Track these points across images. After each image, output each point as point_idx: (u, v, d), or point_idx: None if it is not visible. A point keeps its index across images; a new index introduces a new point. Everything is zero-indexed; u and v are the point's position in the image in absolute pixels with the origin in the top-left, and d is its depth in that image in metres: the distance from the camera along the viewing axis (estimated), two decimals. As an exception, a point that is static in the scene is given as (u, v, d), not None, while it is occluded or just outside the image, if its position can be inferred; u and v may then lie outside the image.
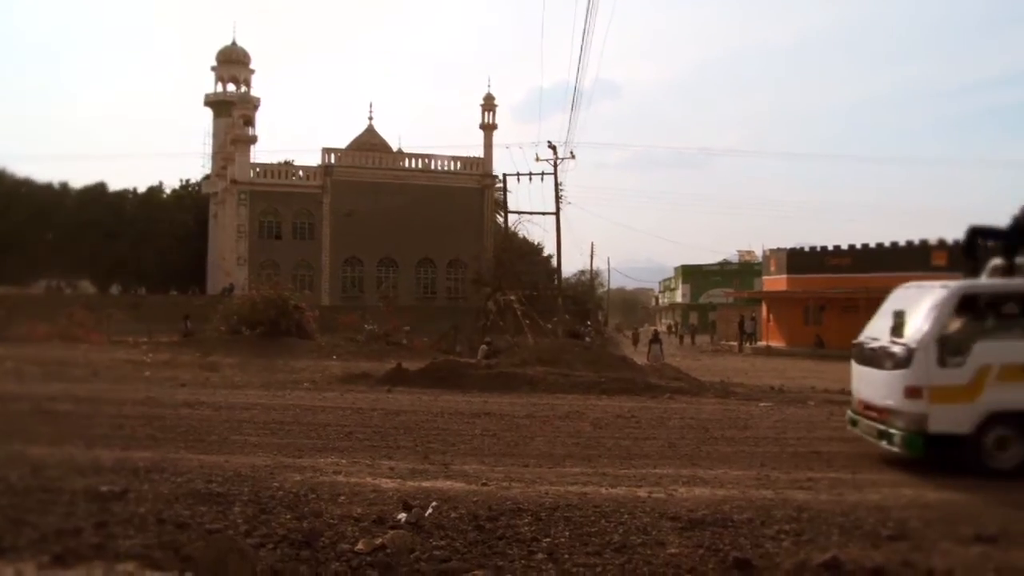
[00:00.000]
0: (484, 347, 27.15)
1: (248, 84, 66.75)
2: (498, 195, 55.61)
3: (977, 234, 10.75)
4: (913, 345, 9.50)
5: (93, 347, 29.56)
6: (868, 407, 10.30)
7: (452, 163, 60.17)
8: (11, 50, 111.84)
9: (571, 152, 41.22)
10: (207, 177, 67.04)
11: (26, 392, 15.45)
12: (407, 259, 57.67)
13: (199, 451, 10.01)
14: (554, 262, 49.01)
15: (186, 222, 66.66)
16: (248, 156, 56.52)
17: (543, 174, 41.34)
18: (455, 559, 6.09)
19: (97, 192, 67.33)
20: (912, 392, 9.47)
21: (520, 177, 42.83)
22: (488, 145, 60.22)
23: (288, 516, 6.98)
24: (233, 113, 59.16)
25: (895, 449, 9.67)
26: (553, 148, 40.70)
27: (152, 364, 23.55)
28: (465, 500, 7.63)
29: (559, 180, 41.53)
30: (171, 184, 71.64)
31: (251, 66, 67.31)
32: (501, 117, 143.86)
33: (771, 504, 7.71)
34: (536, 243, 59.29)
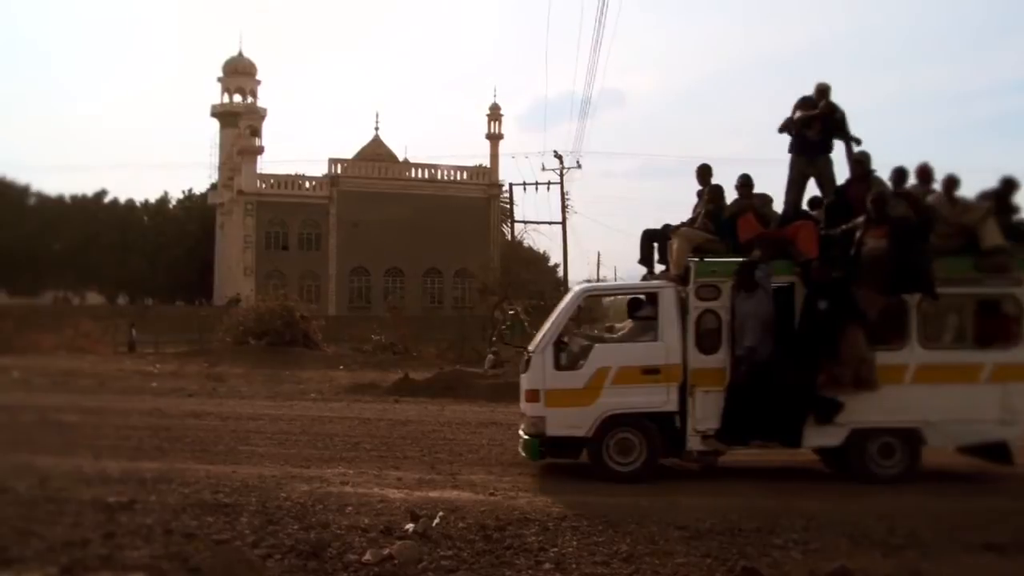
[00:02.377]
0: (490, 357, 27.13)
1: (255, 95, 66.95)
2: (504, 205, 55.64)
3: (649, 238, 10.61)
4: (532, 349, 9.55)
5: (100, 358, 29.65)
6: (521, 413, 10.17)
7: (458, 173, 60.27)
8: (12, 58, 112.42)
9: (577, 161, 41.23)
10: (214, 187, 67.27)
11: (33, 403, 15.50)
12: (414, 269, 57.72)
13: (206, 462, 10.03)
14: (561, 271, 48.94)
15: (193, 233, 66.86)
16: (255, 167, 56.73)
17: (549, 183, 41.37)
18: (462, 569, 6.07)
19: (105, 204, 67.60)
20: (531, 396, 9.48)
21: (526, 186, 42.86)
22: (494, 155, 60.36)
23: (295, 527, 6.97)
24: (240, 124, 59.38)
25: (523, 453, 9.69)
26: (559, 157, 40.76)
27: (159, 375, 23.60)
28: (472, 510, 7.62)
29: (565, 189, 41.55)
30: (176, 195, 71.89)
31: (257, 77, 67.55)
32: (507, 127, 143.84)
33: (779, 513, 7.68)
34: (542, 252, 59.32)
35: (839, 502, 8.28)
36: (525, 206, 52.50)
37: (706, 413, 9.16)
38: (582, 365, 9.38)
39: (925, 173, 9.97)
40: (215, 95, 67.38)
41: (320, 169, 58.57)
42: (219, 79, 67.16)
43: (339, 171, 57.86)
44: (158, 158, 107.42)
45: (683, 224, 10.24)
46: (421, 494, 8.35)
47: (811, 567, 6.15)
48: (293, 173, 59.15)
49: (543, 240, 65.59)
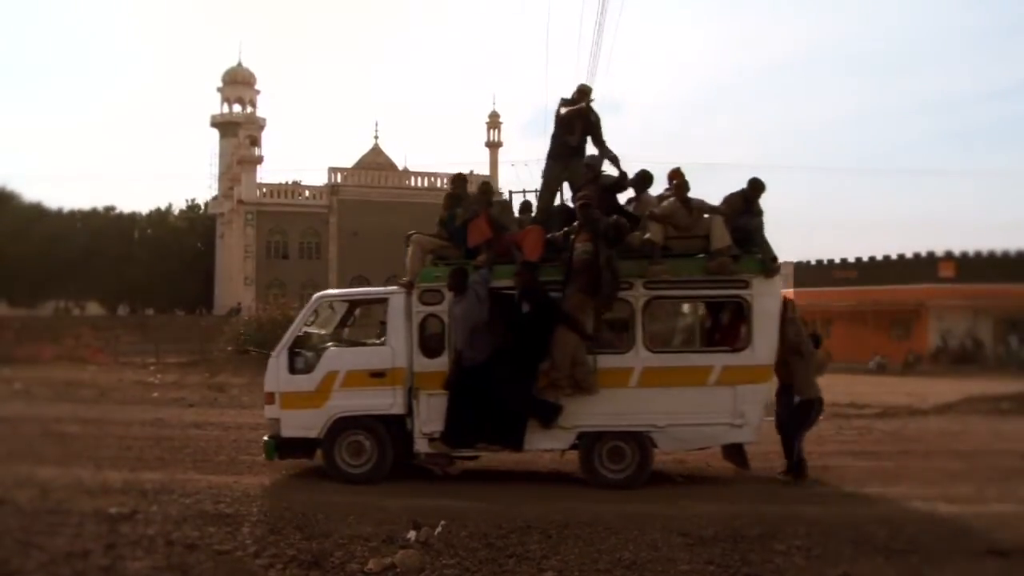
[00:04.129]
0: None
1: (254, 104, 67.07)
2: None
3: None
4: (271, 353, 9.85)
5: (101, 368, 29.63)
6: None
7: (458, 181, 60.24)
8: (14, 71, 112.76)
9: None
10: (215, 197, 67.36)
11: (34, 414, 15.48)
12: (414, 277, 57.60)
13: (207, 472, 10.02)
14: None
15: (194, 243, 66.96)
16: (254, 176, 56.74)
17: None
18: (465, 578, 6.07)
19: (108, 216, 67.71)
20: (268, 398, 9.81)
21: (526, 194, 42.83)
22: (494, 163, 60.40)
23: (297, 536, 6.97)
24: (239, 134, 59.45)
25: (264, 454, 9.87)
26: (558, 164, 40.76)
27: (160, 385, 23.58)
28: (475, 518, 7.60)
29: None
30: (179, 205, 71.95)
31: (256, 87, 67.67)
32: (510, 135, 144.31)
33: (782, 519, 7.67)
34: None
35: (842, 508, 8.28)
36: (525, 213, 52.53)
37: (431, 416, 9.30)
38: (311, 368, 9.65)
39: (674, 177, 10.10)
40: (215, 105, 67.58)
41: (320, 178, 58.65)
42: (218, 89, 67.32)
43: (339, 180, 57.89)
44: (160, 169, 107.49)
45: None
46: (423, 502, 8.34)
47: (814, 573, 6.15)
48: (292, 182, 59.24)
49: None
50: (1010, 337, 36.91)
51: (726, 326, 9.89)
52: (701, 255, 9.38)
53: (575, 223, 9.40)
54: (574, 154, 10.16)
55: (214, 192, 67.74)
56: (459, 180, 10.79)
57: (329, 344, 10.06)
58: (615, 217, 9.29)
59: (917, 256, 41.81)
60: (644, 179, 10.09)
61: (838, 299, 42.21)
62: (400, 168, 62.24)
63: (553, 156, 10.33)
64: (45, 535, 6.76)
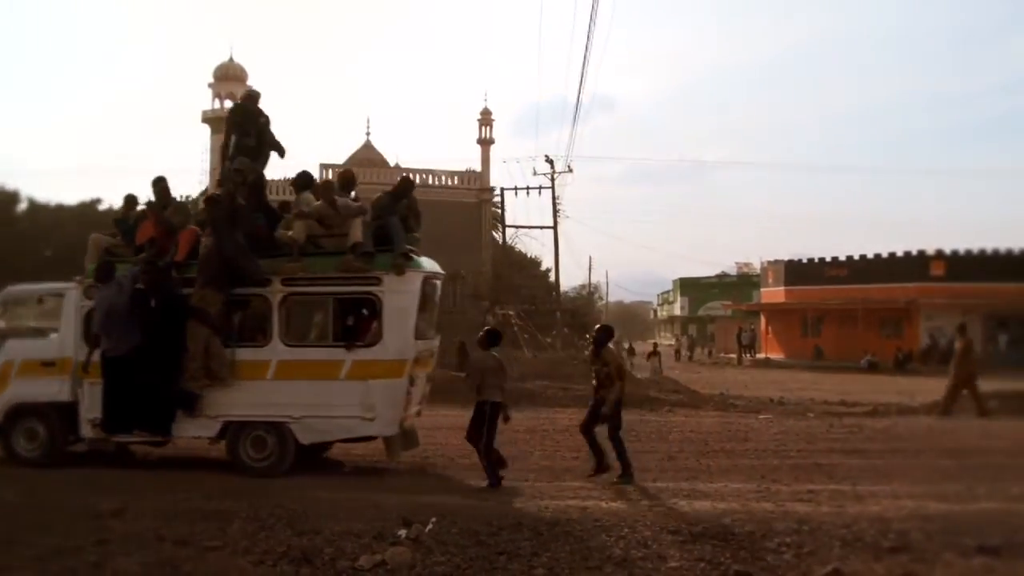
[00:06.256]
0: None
1: (245, 100, 66.87)
2: (496, 209, 55.66)
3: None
4: None
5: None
6: None
7: (450, 178, 60.12)
8: (4, 67, 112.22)
9: (568, 166, 41.38)
10: (204, 193, 67.13)
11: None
12: (405, 273, 57.39)
13: (199, 467, 9.99)
14: (552, 276, 49.01)
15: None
16: (246, 172, 56.63)
17: (540, 188, 41.47)
18: (455, 575, 6.06)
19: (94, 210, 67.35)
20: None
21: (518, 191, 42.90)
22: (485, 160, 60.20)
23: (288, 532, 6.95)
24: (230, 129, 59.26)
25: None
26: (550, 162, 40.87)
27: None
28: (465, 515, 7.59)
29: (557, 194, 41.62)
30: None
31: (248, 82, 67.35)
32: (499, 131, 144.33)
33: (772, 517, 7.68)
34: (534, 257, 59.23)
35: (832, 505, 8.30)
36: (517, 211, 52.38)
37: (93, 403, 9.82)
38: None
39: (347, 178, 11.07)
40: (207, 101, 67.32)
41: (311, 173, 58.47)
42: (210, 85, 67.03)
43: (330, 175, 57.73)
44: (153, 165, 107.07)
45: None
46: (413, 499, 8.32)
47: (804, 570, 6.16)
48: (283, 178, 59.08)
49: (534, 245, 65.30)
50: (1000, 338, 36.94)
51: (362, 322, 10.24)
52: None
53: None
54: (253, 154, 10.75)
55: (205, 187, 67.50)
56: (158, 182, 11.07)
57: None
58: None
59: (908, 255, 41.95)
60: (302, 179, 10.77)
61: (829, 297, 42.35)
62: (392, 164, 62.08)
63: (232, 158, 10.83)
64: (35, 531, 6.73)
